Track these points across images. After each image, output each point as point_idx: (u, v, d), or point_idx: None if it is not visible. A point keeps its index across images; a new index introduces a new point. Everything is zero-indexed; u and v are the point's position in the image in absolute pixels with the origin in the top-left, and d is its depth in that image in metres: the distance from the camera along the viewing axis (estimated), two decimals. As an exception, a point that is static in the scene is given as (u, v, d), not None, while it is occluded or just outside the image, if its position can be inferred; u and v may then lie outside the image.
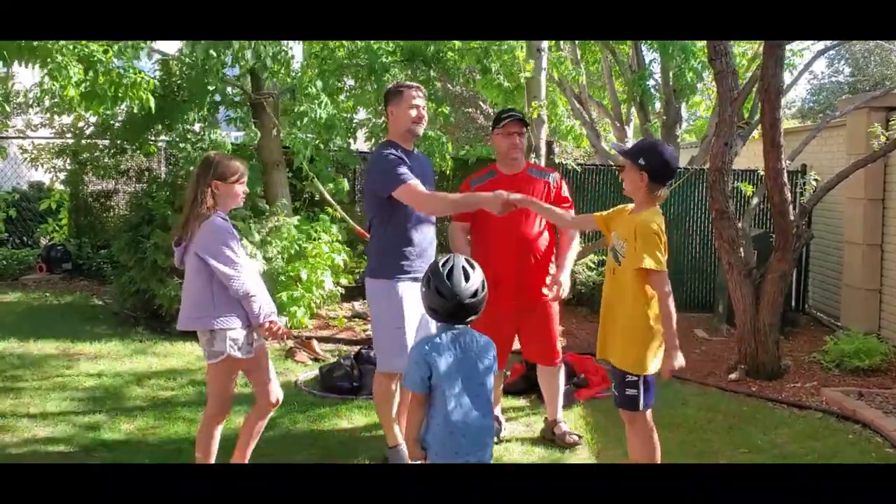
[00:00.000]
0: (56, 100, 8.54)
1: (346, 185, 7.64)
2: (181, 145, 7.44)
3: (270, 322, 3.57)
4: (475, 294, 2.93)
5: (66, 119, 9.49)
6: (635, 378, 3.47)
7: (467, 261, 3.00)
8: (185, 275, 3.60)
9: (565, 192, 4.58)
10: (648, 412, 3.56)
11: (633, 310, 3.45)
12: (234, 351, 3.53)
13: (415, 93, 4.17)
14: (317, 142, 7.31)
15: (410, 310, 4.03)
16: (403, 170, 3.97)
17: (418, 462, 2.99)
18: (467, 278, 2.93)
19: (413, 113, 4.13)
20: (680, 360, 3.42)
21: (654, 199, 3.48)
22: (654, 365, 3.47)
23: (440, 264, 2.98)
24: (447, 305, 2.91)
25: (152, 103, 5.88)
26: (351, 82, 7.92)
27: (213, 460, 3.74)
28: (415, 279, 4.04)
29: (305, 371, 6.11)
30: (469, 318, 2.97)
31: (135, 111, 7.69)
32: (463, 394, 2.91)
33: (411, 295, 4.00)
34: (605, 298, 3.63)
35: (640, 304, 3.44)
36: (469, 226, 4.50)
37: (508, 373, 5.45)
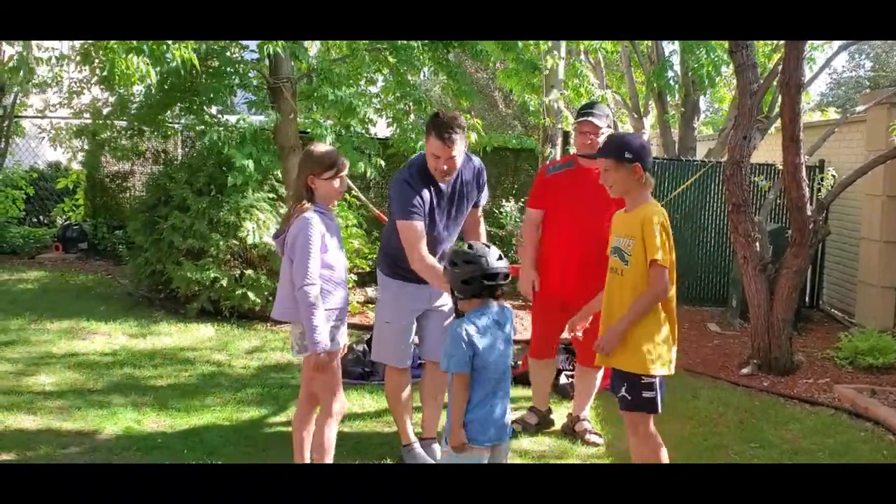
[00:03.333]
0: (76, 75, 8.58)
1: (377, 162, 7.50)
2: (199, 127, 7.47)
3: (317, 355, 3.43)
4: (500, 257, 3.03)
5: (85, 99, 9.54)
6: (652, 379, 3.33)
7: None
8: (283, 266, 3.54)
9: None
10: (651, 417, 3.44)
11: None
12: (326, 344, 3.46)
13: (440, 144, 3.72)
14: (337, 127, 7.31)
15: (402, 310, 4.04)
16: (414, 207, 3.79)
17: (464, 449, 2.99)
18: (488, 246, 3.06)
19: (431, 162, 3.82)
20: (612, 344, 3.33)
21: (646, 188, 3.39)
22: (667, 366, 3.35)
23: (458, 247, 3.14)
24: (478, 269, 2.97)
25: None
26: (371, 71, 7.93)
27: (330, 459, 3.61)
28: (412, 283, 3.99)
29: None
30: (501, 284, 3.03)
31: (153, 91, 7.74)
32: (501, 374, 3.02)
33: (406, 296, 4.01)
34: (607, 302, 3.46)
35: None
36: (543, 213, 4.43)
37: (520, 362, 5.45)
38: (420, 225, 3.80)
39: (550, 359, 4.66)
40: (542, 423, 4.67)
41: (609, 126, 4.30)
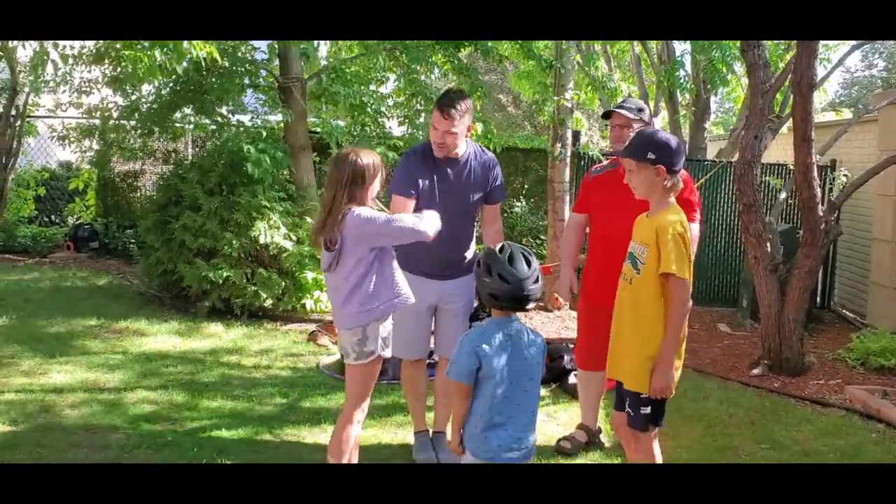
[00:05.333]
0: (85, 75, 8.62)
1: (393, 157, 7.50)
2: (211, 127, 7.51)
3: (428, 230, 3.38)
4: (536, 279, 2.89)
5: (94, 99, 9.59)
6: (648, 396, 3.18)
7: (524, 249, 2.96)
8: (338, 276, 3.36)
9: (690, 194, 3.92)
10: (656, 433, 3.34)
11: (648, 323, 3.16)
12: (382, 350, 3.42)
13: (439, 116, 3.82)
14: (351, 126, 7.34)
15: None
16: (403, 182, 3.87)
17: (459, 456, 2.95)
18: (528, 264, 2.89)
19: (431, 135, 3.91)
20: (669, 380, 3.13)
21: (669, 193, 3.21)
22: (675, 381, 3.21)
23: (497, 251, 2.93)
24: (511, 290, 2.85)
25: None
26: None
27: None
28: (420, 276, 3.97)
29: (327, 355, 6.15)
30: (529, 306, 2.92)
31: (162, 92, 7.78)
32: (511, 388, 2.86)
33: (415, 289, 3.83)
34: (617, 311, 3.32)
35: (656, 316, 3.15)
36: (586, 217, 4.29)
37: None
38: (409, 203, 3.84)
39: (598, 371, 4.15)
40: (590, 443, 4.41)
41: (643, 118, 4.05)
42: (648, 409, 3.20)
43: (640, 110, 4.08)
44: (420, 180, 3.89)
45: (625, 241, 3.54)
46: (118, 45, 5.89)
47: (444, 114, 3.79)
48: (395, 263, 3.47)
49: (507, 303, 2.88)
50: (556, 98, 7.88)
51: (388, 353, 3.47)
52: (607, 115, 4.23)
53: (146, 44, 5.38)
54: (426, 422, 4.29)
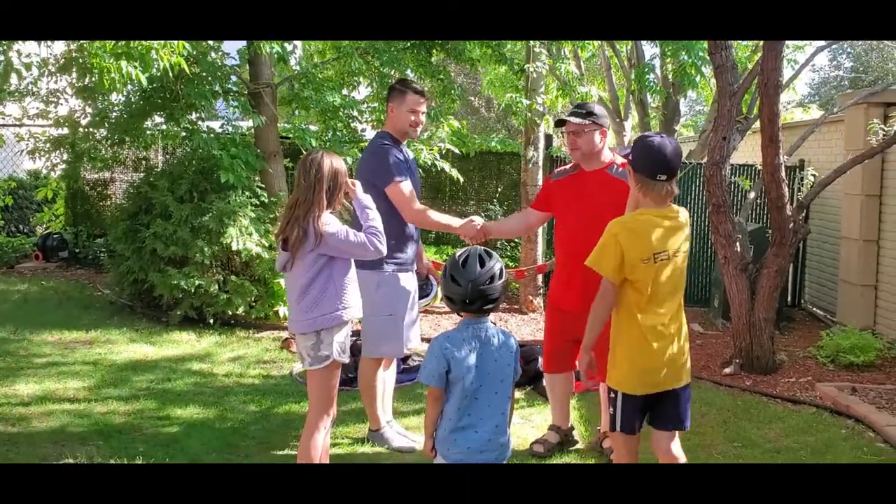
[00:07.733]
0: (52, 85, 8.50)
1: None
2: (182, 134, 7.43)
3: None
4: (491, 280, 2.87)
5: (62, 110, 9.45)
6: (613, 395, 3.23)
7: (485, 250, 2.95)
8: (293, 277, 3.40)
9: None
10: (630, 438, 3.25)
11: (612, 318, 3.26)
12: (338, 355, 3.41)
13: (418, 98, 4.22)
14: (323, 131, 7.32)
15: (400, 297, 4.19)
16: (402, 170, 4.11)
17: (433, 459, 2.96)
18: (482, 264, 2.88)
19: (411, 118, 4.22)
20: (585, 363, 3.20)
21: (654, 199, 3.15)
22: (631, 382, 3.19)
23: (457, 255, 2.95)
24: (461, 292, 2.85)
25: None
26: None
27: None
28: (401, 268, 4.21)
29: (300, 362, 6.10)
30: (486, 307, 2.90)
31: (132, 100, 7.69)
32: (480, 390, 2.86)
33: (400, 282, 4.18)
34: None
35: (616, 311, 3.21)
36: (539, 216, 4.41)
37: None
38: (409, 184, 4.14)
39: (562, 373, 4.32)
40: (564, 443, 4.40)
41: (596, 122, 4.01)
42: (612, 410, 3.25)
43: (591, 114, 4.03)
44: (406, 162, 4.21)
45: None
46: (85, 51, 5.80)
47: (423, 94, 4.25)
48: (351, 275, 3.47)
49: (460, 305, 2.89)
50: (527, 102, 7.90)
51: (345, 359, 3.46)
52: (560, 124, 4.24)
53: (105, 52, 5.31)
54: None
